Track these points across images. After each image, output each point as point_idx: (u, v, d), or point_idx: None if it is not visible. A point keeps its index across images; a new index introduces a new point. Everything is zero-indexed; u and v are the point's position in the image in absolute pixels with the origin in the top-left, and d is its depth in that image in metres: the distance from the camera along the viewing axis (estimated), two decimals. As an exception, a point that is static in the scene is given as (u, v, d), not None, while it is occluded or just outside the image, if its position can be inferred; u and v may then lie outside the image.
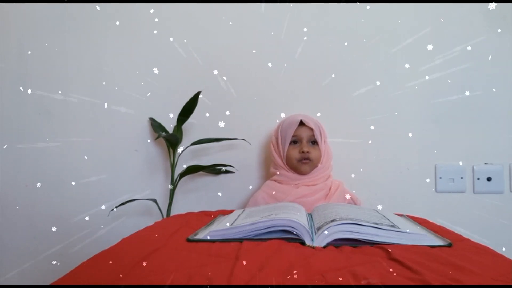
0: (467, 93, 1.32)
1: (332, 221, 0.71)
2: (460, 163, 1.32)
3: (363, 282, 0.48)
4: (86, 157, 1.37)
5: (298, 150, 1.16)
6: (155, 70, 1.37)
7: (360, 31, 1.34)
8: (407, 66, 1.33)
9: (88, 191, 1.36)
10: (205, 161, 1.35)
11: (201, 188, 1.37)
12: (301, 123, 1.17)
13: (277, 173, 1.20)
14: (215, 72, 1.36)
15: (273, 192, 1.14)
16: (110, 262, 0.58)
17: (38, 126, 1.39)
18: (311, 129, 1.17)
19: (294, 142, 1.18)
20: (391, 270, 0.53)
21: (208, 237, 0.71)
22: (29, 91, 1.39)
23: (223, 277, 0.50)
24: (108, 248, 0.65)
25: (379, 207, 0.95)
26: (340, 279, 0.50)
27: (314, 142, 1.18)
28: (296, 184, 1.15)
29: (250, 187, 1.35)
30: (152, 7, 1.38)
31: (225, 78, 1.36)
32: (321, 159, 1.18)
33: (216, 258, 0.59)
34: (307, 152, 1.15)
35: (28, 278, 1.35)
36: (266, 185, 1.20)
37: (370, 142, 1.33)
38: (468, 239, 0.73)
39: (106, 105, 1.37)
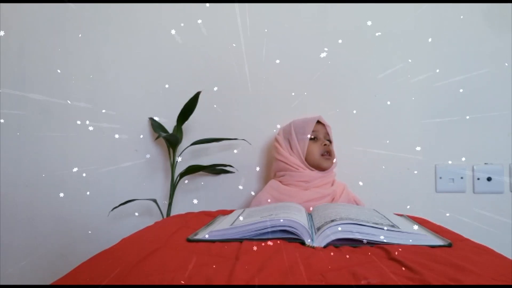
0: (467, 93, 1.31)
1: (332, 221, 0.71)
2: (460, 162, 1.32)
3: (363, 282, 0.48)
4: (86, 157, 1.37)
5: (319, 144, 1.17)
6: (155, 70, 1.37)
7: (360, 31, 1.34)
8: (407, 66, 1.33)
9: (88, 191, 1.36)
10: (205, 161, 1.35)
11: (201, 188, 1.37)
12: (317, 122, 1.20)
13: (285, 175, 1.17)
14: (215, 72, 1.36)
15: (279, 195, 1.11)
16: (110, 262, 0.58)
17: (38, 126, 1.39)
18: (325, 127, 1.20)
19: (311, 139, 1.18)
20: (391, 270, 0.53)
21: (208, 237, 0.71)
22: (29, 91, 1.39)
23: (223, 277, 0.50)
24: (108, 248, 0.65)
25: (379, 207, 0.95)
26: (340, 279, 0.50)
27: (328, 141, 1.20)
28: (307, 186, 1.13)
29: (250, 187, 1.35)
30: (152, 7, 1.38)
31: (225, 78, 1.36)
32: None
33: (216, 258, 0.59)
34: (329, 145, 1.18)
35: (28, 278, 1.34)
36: (270, 186, 1.17)
37: (370, 142, 1.33)
38: (468, 239, 0.73)
39: (106, 105, 1.38)
